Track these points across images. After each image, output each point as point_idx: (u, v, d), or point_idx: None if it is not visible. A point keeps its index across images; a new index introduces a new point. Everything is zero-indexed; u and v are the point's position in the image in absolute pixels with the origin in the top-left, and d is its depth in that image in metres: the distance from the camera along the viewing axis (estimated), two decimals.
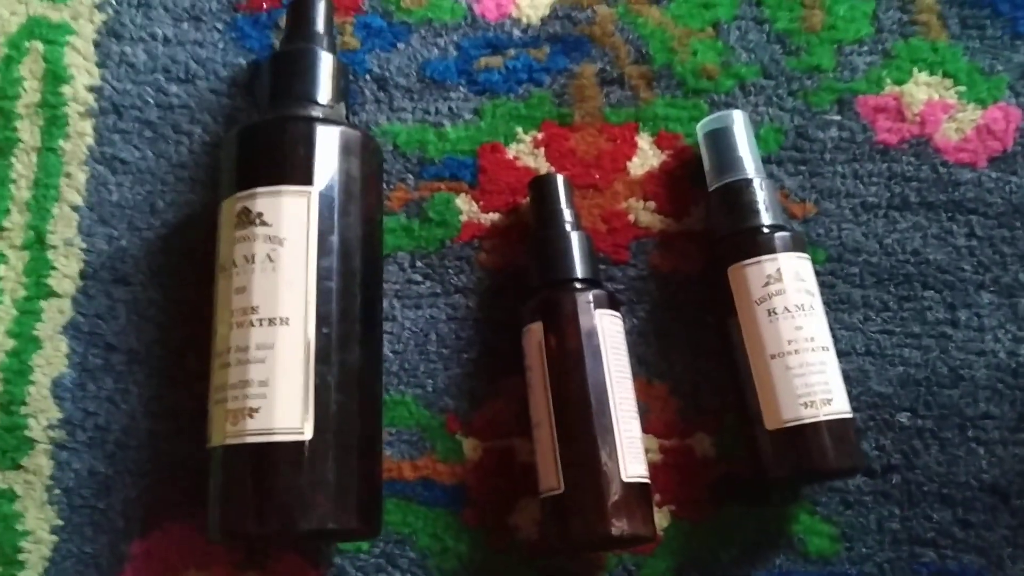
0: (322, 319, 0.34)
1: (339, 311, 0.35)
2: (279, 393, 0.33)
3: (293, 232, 0.34)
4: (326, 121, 0.37)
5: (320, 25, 0.39)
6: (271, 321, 0.34)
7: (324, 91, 0.38)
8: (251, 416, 0.33)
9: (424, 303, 0.40)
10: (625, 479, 0.35)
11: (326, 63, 0.38)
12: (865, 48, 0.42)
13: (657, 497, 0.38)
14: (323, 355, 0.34)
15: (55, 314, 0.40)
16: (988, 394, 0.40)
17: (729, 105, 0.42)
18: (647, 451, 0.37)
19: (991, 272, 0.41)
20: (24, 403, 0.39)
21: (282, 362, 0.33)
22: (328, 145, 0.36)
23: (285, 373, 0.33)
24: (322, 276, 0.34)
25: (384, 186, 0.41)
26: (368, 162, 0.38)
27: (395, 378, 0.39)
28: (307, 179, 0.35)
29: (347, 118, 0.39)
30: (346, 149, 0.37)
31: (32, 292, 0.40)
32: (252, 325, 0.34)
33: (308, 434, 0.33)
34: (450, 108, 0.42)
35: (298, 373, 0.33)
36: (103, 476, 0.38)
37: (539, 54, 0.42)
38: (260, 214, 0.35)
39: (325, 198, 0.35)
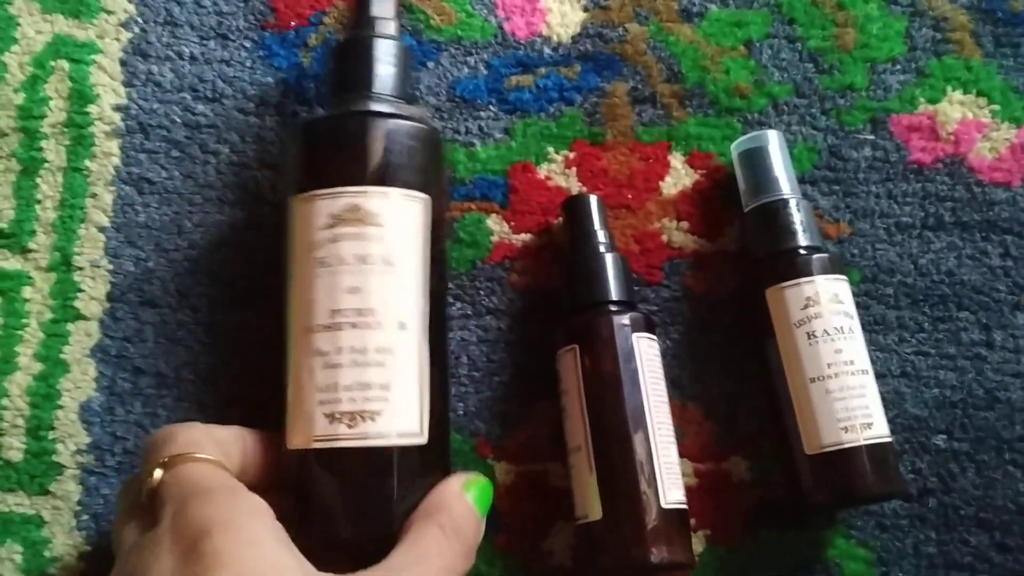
0: (432, 325, 0.34)
1: (439, 318, 0.35)
2: (400, 398, 0.33)
3: (410, 238, 0.34)
4: (423, 122, 0.36)
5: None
6: (392, 325, 0.33)
7: (403, 87, 0.37)
8: (371, 419, 0.32)
9: (455, 325, 0.40)
10: (664, 505, 0.34)
11: (400, 54, 0.38)
12: (898, 67, 0.42)
13: (692, 522, 0.38)
14: (432, 361, 0.34)
15: (82, 337, 0.39)
16: None
17: (762, 124, 0.42)
18: (682, 475, 0.37)
19: None
20: (52, 428, 0.38)
21: (402, 367, 0.33)
22: (435, 150, 0.36)
23: (404, 378, 0.33)
24: (431, 283, 0.34)
25: None
26: (445, 159, 0.38)
27: None
28: (423, 185, 0.35)
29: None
30: (442, 154, 0.37)
31: (59, 315, 0.39)
32: (370, 327, 0.33)
33: (425, 439, 0.33)
34: (480, 127, 0.41)
35: (415, 379, 0.33)
36: None
37: (570, 72, 0.42)
38: (374, 215, 0.34)
39: (434, 204, 0.35)
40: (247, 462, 0.33)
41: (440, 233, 0.36)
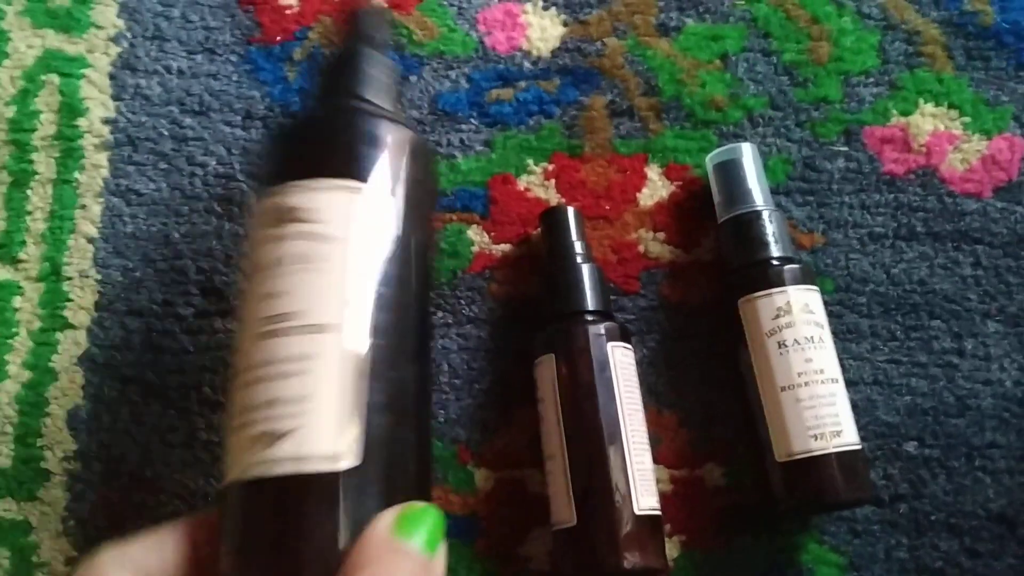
0: (376, 329, 0.29)
1: (393, 321, 0.30)
2: (317, 413, 0.27)
3: (337, 229, 0.29)
4: (375, 115, 0.33)
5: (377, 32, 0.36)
6: (309, 329, 0.28)
7: (376, 88, 0.34)
8: (281, 441, 0.27)
9: (436, 333, 0.41)
10: (637, 512, 0.35)
11: (380, 64, 0.35)
12: (871, 79, 0.43)
13: (667, 527, 0.38)
14: (374, 370, 0.28)
15: (70, 345, 0.40)
16: (995, 423, 0.40)
17: (737, 136, 0.42)
18: (658, 481, 0.38)
19: (997, 301, 0.41)
20: (40, 435, 0.39)
21: (322, 376, 0.27)
22: (378, 139, 0.32)
23: (326, 389, 0.27)
24: (378, 281, 0.30)
25: None
26: (424, 165, 0.34)
27: None
28: (355, 173, 0.30)
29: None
30: (399, 146, 0.32)
31: (48, 324, 0.40)
32: (286, 334, 0.28)
33: (352, 462, 0.27)
34: (461, 140, 0.42)
35: (336, 390, 0.27)
36: (118, 508, 0.38)
37: (549, 86, 0.43)
38: (294, 209, 0.30)
39: (377, 196, 0.31)
40: (174, 564, 0.28)
41: (408, 232, 0.31)
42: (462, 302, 0.41)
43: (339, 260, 0.29)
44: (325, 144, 0.31)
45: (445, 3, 0.44)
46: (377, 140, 0.32)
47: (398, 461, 0.29)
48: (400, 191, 0.32)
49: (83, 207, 0.41)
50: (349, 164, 0.31)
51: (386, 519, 0.26)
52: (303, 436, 0.27)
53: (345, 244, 0.29)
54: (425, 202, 0.34)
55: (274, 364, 0.28)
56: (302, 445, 0.27)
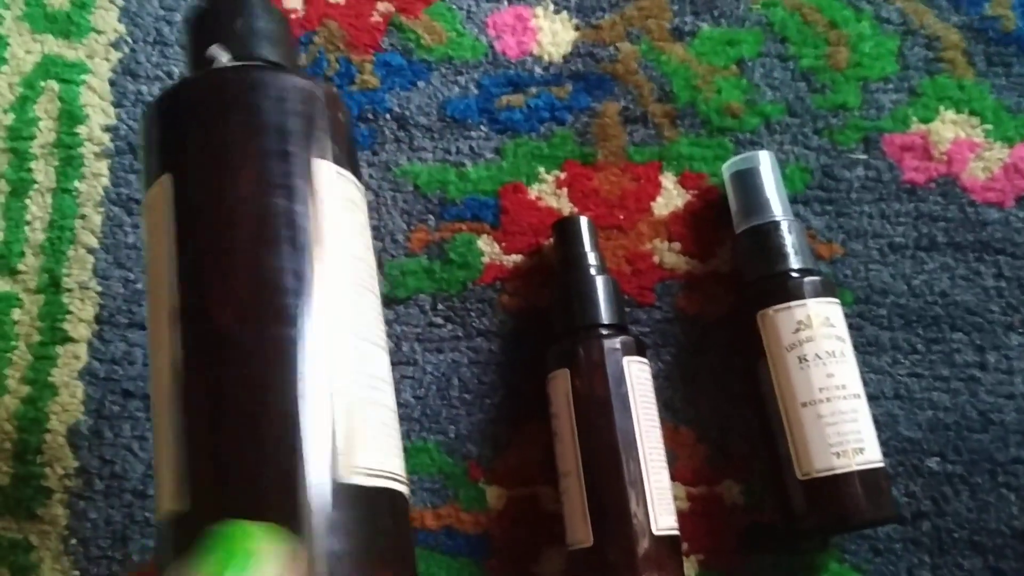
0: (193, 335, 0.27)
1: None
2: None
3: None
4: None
5: None
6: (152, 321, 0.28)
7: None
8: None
9: (446, 347, 0.40)
10: (655, 532, 0.34)
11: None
12: (891, 86, 0.42)
13: (685, 546, 0.37)
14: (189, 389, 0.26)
15: (71, 359, 0.39)
16: (1019, 438, 0.39)
17: (754, 143, 0.41)
18: (674, 499, 0.37)
19: (1020, 313, 0.40)
20: (40, 452, 0.38)
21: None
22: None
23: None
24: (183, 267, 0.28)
25: (405, 227, 0.40)
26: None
27: (416, 424, 0.39)
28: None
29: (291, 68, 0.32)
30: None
31: (47, 337, 0.39)
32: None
33: (181, 506, 0.25)
34: (471, 148, 0.41)
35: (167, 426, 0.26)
36: (120, 526, 0.37)
37: (561, 92, 0.42)
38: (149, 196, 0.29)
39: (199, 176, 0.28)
40: None
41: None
42: (472, 314, 0.40)
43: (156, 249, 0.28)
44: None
45: (454, 7, 0.43)
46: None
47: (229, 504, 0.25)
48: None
49: (83, 217, 0.40)
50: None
51: None
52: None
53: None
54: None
55: None
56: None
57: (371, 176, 0.41)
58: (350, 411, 0.26)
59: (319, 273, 0.27)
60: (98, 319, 0.39)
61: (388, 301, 0.40)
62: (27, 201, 0.40)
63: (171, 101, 0.29)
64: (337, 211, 0.28)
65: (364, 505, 0.26)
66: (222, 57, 0.29)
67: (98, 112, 0.41)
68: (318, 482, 0.24)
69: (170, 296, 0.27)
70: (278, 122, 0.28)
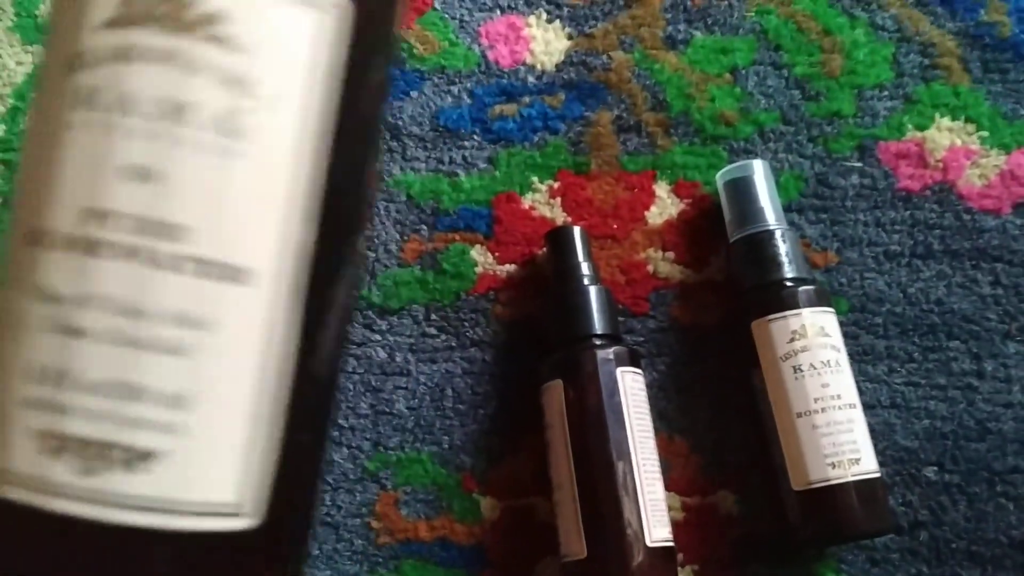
0: (314, 273, 0.19)
1: (332, 258, 0.20)
2: (207, 428, 0.18)
3: (284, 82, 0.18)
4: None
5: None
6: (222, 267, 0.18)
7: None
8: (138, 466, 0.17)
9: (439, 357, 0.39)
10: (650, 543, 0.34)
11: None
12: (886, 93, 0.42)
13: (680, 557, 0.37)
14: (302, 366, 0.19)
15: None
16: (1016, 447, 0.39)
17: (748, 152, 0.41)
18: (669, 509, 0.36)
19: (1017, 321, 0.40)
20: None
21: (226, 364, 0.18)
22: None
23: (226, 389, 0.18)
24: (329, 190, 0.19)
25: (398, 237, 0.40)
26: None
27: (410, 435, 0.39)
28: None
29: None
30: None
31: None
32: (169, 263, 0.17)
33: (254, 520, 0.18)
34: (464, 157, 0.41)
35: (249, 393, 0.18)
36: None
37: (554, 101, 0.42)
38: (219, 16, 0.17)
39: (357, 23, 0.19)
40: None
41: (362, 99, 0.20)
42: (466, 325, 0.40)
43: (285, 142, 0.18)
44: None
45: (446, 16, 0.43)
46: None
47: (305, 520, 0.22)
48: (368, 19, 0.20)
49: None
50: None
51: None
52: (180, 464, 0.18)
53: (290, 116, 0.18)
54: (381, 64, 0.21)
55: (133, 315, 0.17)
56: (178, 479, 0.18)
57: None
58: None
59: None
60: None
61: (381, 312, 0.40)
62: None
63: None
64: None
65: None
66: None
67: None
68: None
69: None
70: None
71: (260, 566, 0.19)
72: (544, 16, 0.43)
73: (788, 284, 0.37)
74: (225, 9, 0.17)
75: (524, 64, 0.42)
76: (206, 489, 0.18)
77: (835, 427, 0.35)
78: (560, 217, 0.41)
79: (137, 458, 0.17)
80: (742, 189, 0.39)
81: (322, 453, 0.22)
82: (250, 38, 0.18)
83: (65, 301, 0.17)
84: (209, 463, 0.18)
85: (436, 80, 0.42)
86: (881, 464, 0.37)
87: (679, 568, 0.37)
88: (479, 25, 0.43)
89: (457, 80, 0.42)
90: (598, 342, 0.36)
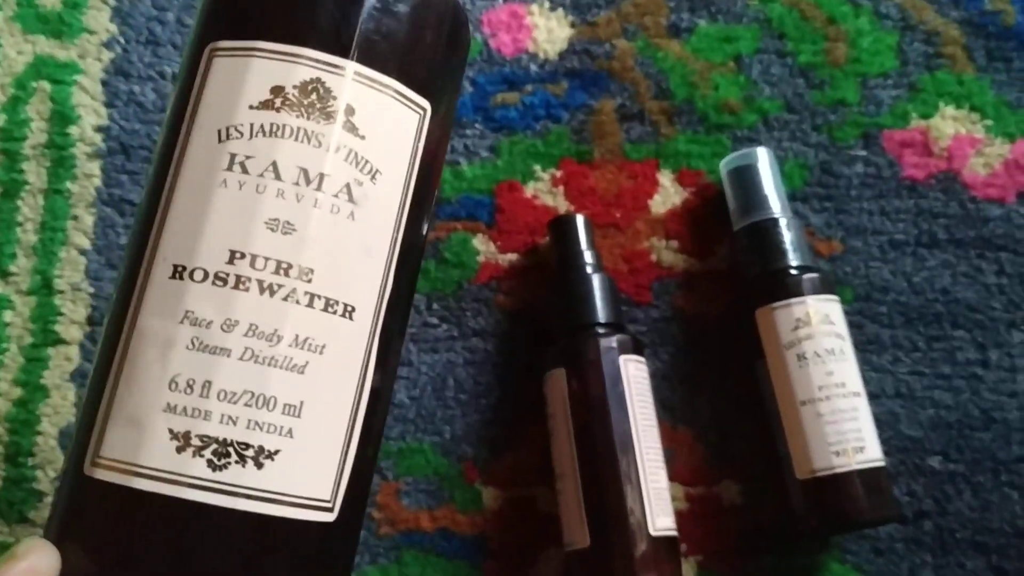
0: (391, 311, 0.23)
1: (401, 300, 0.25)
2: (311, 434, 0.22)
3: (395, 159, 0.23)
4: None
5: None
6: (335, 305, 0.22)
7: None
8: (259, 461, 0.21)
9: (441, 347, 0.39)
10: (653, 533, 0.34)
11: None
12: (890, 81, 0.41)
13: (683, 547, 0.37)
14: (376, 385, 0.24)
15: (62, 361, 0.39)
16: (1021, 437, 0.38)
17: (752, 140, 0.41)
18: (672, 499, 0.36)
19: (1022, 310, 0.40)
20: (31, 454, 0.38)
21: (329, 383, 0.22)
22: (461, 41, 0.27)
23: (327, 403, 0.22)
24: (405, 247, 0.24)
25: None
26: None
27: (412, 425, 0.38)
28: (423, 83, 0.24)
29: None
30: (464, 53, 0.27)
31: (39, 339, 0.39)
32: (295, 299, 0.21)
33: (334, 515, 0.22)
34: (466, 146, 0.41)
35: (345, 408, 0.22)
36: None
37: (557, 89, 0.41)
38: (351, 109, 0.22)
39: (435, 119, 0.25)
40: None
41: (434, 166, 0.26)
42: (468, 314, 0.40)
43: (389, 205, 0.24)
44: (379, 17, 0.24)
45: None
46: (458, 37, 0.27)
47: (361, 517, 0.25)
48: (449, 115, 0.27)
49: (75, 218, 0.40)
50: (410, 63, 0.24)
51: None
52: (289, 462, 0.22)
53: (396, 182, 0.24)
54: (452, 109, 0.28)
55: (266, 338, 0.21)
56: (288, 476, 0.22)
57: None
58: None
59: None
60: (90, 320, 0.39)
61: None
62: (19, 202, 0.40)
63: None
64: None
65: None
66: None
67: (90, 112, 0.41)
68: None
69: None
70: None
71: (338, 554, 0.23)
72: (547, 4, 0.42)
73: (792, 272, 0.37)
74: (356, 104, 0.23)
75: (527, 52, 0.42)
76: (310, 485, 0.22)
77: (839, 415, 0.35)
78: (563, 206, 0.40)
79: (261, 456, 0.21)
80: (746, 177, 0.38)
81: (376, 462, 0.26)
82: (372, 128, 0.23)
83: (212, 325, 0.21)
84: (313, 463, 0.22)
85: None
86: (886, 453, 0.37)
87: (683, 558, 0.36)
88: (481, 13, 0.42)
89: None
90: (601, 331, 0.36)
